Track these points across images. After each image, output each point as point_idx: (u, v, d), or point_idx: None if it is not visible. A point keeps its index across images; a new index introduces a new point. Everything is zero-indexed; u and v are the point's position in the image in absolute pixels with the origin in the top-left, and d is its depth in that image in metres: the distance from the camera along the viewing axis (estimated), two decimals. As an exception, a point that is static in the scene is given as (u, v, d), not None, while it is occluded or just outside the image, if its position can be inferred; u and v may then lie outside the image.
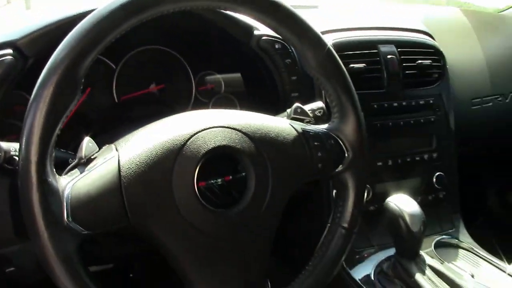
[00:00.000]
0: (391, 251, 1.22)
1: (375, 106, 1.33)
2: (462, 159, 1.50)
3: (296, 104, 0.99)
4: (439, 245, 1.35)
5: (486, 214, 2.06)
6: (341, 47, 1.29)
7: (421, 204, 1.29)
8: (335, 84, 0.94)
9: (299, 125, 0.94)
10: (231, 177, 0.85)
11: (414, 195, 1.35)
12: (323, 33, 1.29)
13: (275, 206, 0.88)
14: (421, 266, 1.16)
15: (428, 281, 1.13)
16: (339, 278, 1.23)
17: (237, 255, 0.84)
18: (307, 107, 1.03)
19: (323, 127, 0.97)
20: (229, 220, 0.83)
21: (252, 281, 0.86)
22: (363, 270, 1.25)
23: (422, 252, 1.19)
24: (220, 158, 0.84)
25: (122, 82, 1.23)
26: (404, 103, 1.36)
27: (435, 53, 1.43)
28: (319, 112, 1.04)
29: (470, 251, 1.35)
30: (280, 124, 0.92)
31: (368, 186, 1.30)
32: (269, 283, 0.91)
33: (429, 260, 1.19)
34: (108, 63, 1.21)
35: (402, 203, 1.16)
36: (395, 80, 1.35)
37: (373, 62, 1.33)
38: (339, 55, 1.25)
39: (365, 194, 1.24)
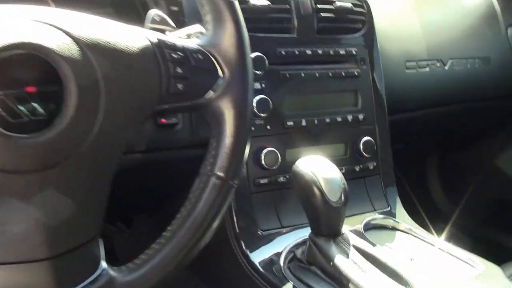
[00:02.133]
0: (307, 231, 0.94)
1: (283, 52, 1.06)
2: (395, 126, 1.25)
3: (154, 11, 0.72)
4: (370, 227, 1.08)
5: (424, 190, 1.82)
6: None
7: (347, 176, 1.06)
8: None
9: (154, 34, 0.67)
10: (36, 88, 0.55)
11: (338, 164, 1.08)
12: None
13: (113, 137, 0.61)
14: (344, 247, 0.89)
15: (352, 265, 0.85)
16: (238, 266, 0.95)
17: (41, 201, 0.56)
18: (182, 32, 0.76)
19: (191, 41, 0.69)
20: (32, 150, 0.55)
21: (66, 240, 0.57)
22: (271, 257, 0.97)
23: (346, 231, 0.91)
24: (24, 62, 0.56)
25: None
26: (319, 51, 1.10)
27: None
28: (196, 36, 0.77)
29: (408, 233, 1.09)
30: (125, 30, 0.66)
31: (275, 150, 1.03)
32: (102, 246, 0.61)
33: (355, 240, 0.91)
34: None
35: (316, 165, 0.89)
36: (308, 23, 1.10)
37: (280, 0, 1.07)
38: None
39: (277, 159, 0.98)
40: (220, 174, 0.68)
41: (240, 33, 0.70)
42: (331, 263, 0.86)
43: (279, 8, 1.07)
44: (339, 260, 0.86)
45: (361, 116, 1.14)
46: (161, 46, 0.66)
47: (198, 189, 0.68)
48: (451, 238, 1.12)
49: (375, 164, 1.15)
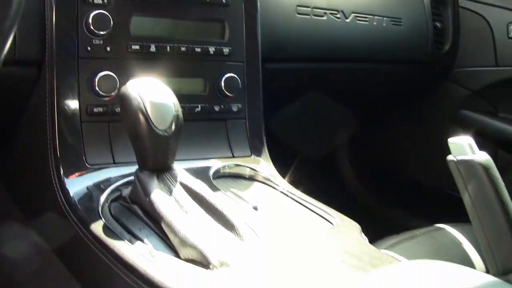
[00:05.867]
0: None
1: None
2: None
3: None
4: (219, 175, 0.95)
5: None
6: None
7: (202, 116, 0.93)
8: None
9: None
10: None
11: (193, 102, 0.96)
12: None
13: None
14: (169, 183, 0.76)
15: (173, 204, 0.73)
16: (53, 194, 0.82)
17: None
18: None
19: None
20: None
21: None
22: (91, 192, 0.83)
23: (179, 167, 0.78)
24: None
25: None
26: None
27: None
28: None
29: (265, 184, 0.96)
30: None
31: (113, 76, 0.89)
32: None
33: (186, 178, 0.78)
34: None
35: (146, 88, 0.75)
36: None
37: None
38: None
39: (114, 86, 0.85)
40: None
41: None
42: (148, 199, 0.73)
43: None
44: (158, 197, 0.73)
45: (226, 50, 1.00)
46: None
47: None
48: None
49: (239, 106, 1.02)
